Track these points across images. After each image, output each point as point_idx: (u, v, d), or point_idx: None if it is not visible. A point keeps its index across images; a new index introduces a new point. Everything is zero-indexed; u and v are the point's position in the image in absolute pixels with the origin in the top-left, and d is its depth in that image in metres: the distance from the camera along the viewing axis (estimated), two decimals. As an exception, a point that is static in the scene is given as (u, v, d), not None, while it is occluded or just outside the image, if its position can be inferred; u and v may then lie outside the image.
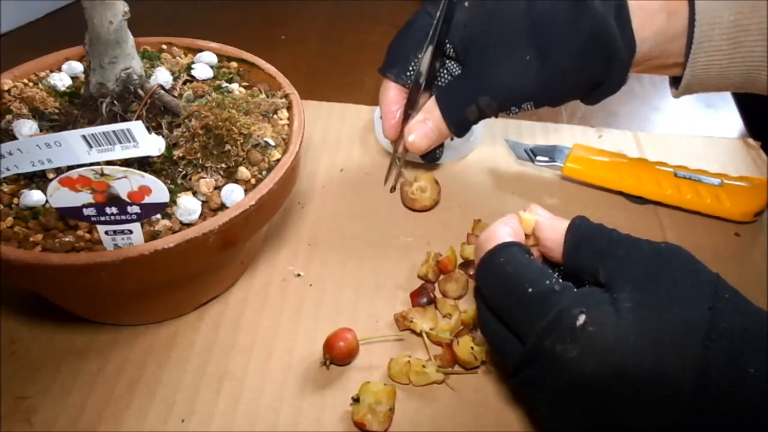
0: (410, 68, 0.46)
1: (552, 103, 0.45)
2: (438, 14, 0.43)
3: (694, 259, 0.32)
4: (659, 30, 0.42)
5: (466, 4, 0.44)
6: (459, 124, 0.46)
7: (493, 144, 0.61)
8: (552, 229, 0.36)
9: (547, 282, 0.31)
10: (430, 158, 0.51)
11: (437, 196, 0.53)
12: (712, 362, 0.27)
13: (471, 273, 0.48)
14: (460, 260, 0.49)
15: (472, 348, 0.41)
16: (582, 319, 0.29)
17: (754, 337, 0.27)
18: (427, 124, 0.46)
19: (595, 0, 0.41)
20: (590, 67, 0.42)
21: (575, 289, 0.31)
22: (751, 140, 0.63)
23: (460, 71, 0.47)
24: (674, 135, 0.64)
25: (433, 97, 0.46)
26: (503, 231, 0.36)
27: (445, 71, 0.48)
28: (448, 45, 0.45)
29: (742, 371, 0.27)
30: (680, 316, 0.28)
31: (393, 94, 0.47)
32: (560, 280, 0.32)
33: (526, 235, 0.37)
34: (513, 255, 0.34)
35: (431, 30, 0.44)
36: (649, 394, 0.28)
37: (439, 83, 0.48)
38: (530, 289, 0.31)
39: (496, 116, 0.46)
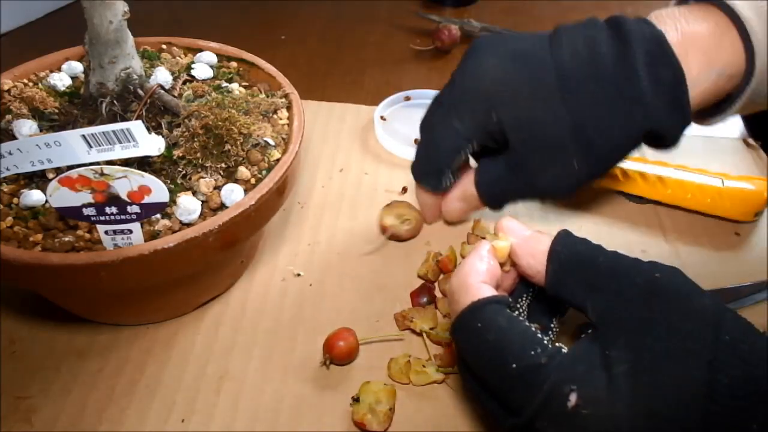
0: (443, 180, 0.42)
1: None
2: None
3: (693, 290, 0.29)
4: (715, 91, 0.38)
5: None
6: (498, 208, 0.42)
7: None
8: (530, 255, 0.33)
9: (532, 353, 0.29)
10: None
11: (419, 227, 0.52)
12: (713, 420, 0.26)
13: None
14: (460, 260, 0.49)
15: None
16: (573, 399, 0.27)
17: (756, 390, 0.26)
18: (464, 202, 0.42)
19: (647, 92, 0.35)
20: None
21: (563, 350, 0.29)
22: (751, 140, 0.63)
23: (500, 158, 0.41)
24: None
25: (472, 177, 0.41)
26: (476, 275, 0.33)
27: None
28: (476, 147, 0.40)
29: (745, 428, 0.25)
30: (679, 381, 0.26)
31: (431, 199, 0.44)
32: (545, 344, 0.30)
33: (501, 264, 0.35)
34: (491, 318, 0.31)
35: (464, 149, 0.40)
36: None
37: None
38: (514, 365, 0.29)
39: None
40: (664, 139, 0.38)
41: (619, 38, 0.36)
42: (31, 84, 0.47)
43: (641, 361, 0.27)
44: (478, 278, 0.33)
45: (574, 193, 0.39)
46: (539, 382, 0.28)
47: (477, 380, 0.32)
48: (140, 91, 0.41)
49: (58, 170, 0.38)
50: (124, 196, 0.34)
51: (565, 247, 0.32)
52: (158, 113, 0.42)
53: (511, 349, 0.29)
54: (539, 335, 0.30)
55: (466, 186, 0.42)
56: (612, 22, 0.37)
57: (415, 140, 0.61)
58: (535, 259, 0.33)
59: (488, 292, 0.32)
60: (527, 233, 0.34)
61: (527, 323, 0.32)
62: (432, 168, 0.41)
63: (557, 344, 0.30)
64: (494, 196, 0.41)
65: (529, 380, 0.28)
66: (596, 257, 0.31)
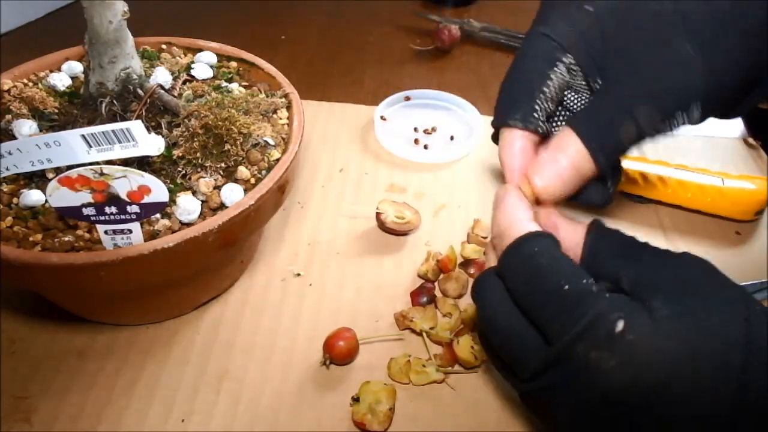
0: (537, 108, 0.35)
1: (725, 105, 0.36)
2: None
3: (719, 271, 0.30)
4: None
5: (590, 8, 0.34)
6: (609, 152, 0.34)
7: (493, 144, 0.61)
8: (572, 230, 0.33)
9: (584, 281, 0.29)
10: (600, 199, 0.37)
11: (417, 221, 0.51)
12: (750, 378, 0.26)
13: (471, 272, 0.48)
14: (460, 259, 0.49)
15: (472, 347, 0.40)
16: (621, 325, 0.27)
17: None
18: (558, 161, 0.34)
19: None
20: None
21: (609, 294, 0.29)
22: (751, 140, 0.63)
23: (592, 97, 0.36)
24: (674, 135, 0.64)
25: (562, 129, 0.35)
26: (524, 215, 0.32)
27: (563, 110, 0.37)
28: (572, 67, 0.35)
29: None
30: (718, 327, 0.27)
31: (521, 145, 0.35)
32: (595, 282, 0.30)
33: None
34: (546, 247, 0.30)
35: (557, 53, 0.35)
36: (685, 412, 0.26)
37: (557, 122, 0.37)
38: (566, 286, 0.29)
39: (656, 134, 0.35)
40: None
41: None
42: (31, 84, 0.47)
43: (683, 312, 0.27)
44: (528, 215, 0.32)
45: (696, 110, 0.34)
46: (588, 305, 0.28)
47: (511, 311, 0.31)
48: (140, 91, 0.41)
49: (58, 170, 0.38)
50: (123, 195, 0.34)
51: (602, 225, 0.33)
52: (158, 113, 0.42)
53: (564, 273, 0.29)
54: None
55: (555, 142, 0.34)
56: None
57: (416, 140, 0.61)
58: (577, 235, 0.33)
59: (538, 228, 0.32)
60: (568, 217, 0.34)
61: None
62: (522, 94, 0.35)
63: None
64: (601, 130, 0.34)
65: (579, 301, 0.28)
66: (630, 237, 0.33)
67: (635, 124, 0.34)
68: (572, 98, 0.37)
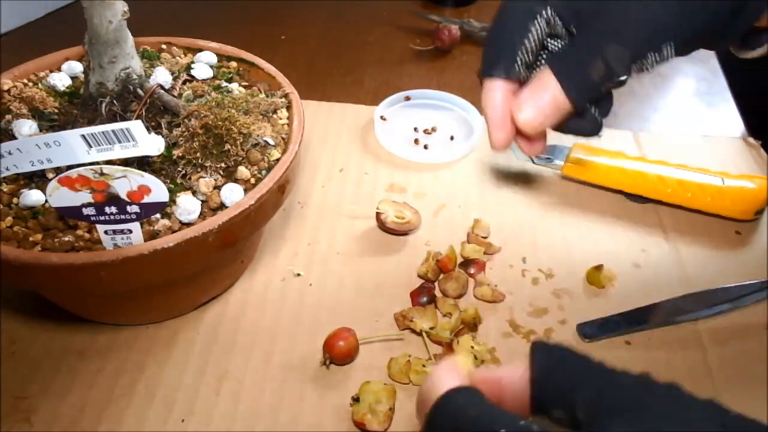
0: (519, 58, 0.37)
1: (695, 42, 0.37)
2: None
3: (684, 390, 0.27)
4: None
5: None
6: (581, 89, 0.36)
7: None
8: (512, 368, 0.30)
9: (522, 422, 0.26)
10: (589, 129, 0.39)
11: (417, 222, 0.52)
12: None
13: (471, 272, 0.48)
14: (460, 259, 0.49)
15: (472, 347, 0.40)
16: None
17: None
18: (539, 96, 0.36)
19: None
20: None
21: None
22: (751, 139, 0.63)
23: (574, 41, 0.38)
24: (675, 134, 0.64)
25: (543, 68, 0.37)
26: (450, 375, 0.29)
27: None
28: (551, 16, 0.37)
29: None
30: None
31: (501, 95, 0.37)
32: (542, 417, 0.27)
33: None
34: (471, 398, 0.28)
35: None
36: None
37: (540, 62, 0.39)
38: (502, 431, 0.26)
39: (626, 76, 0.36)
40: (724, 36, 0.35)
41: None
42: (30, 84, 0.46)
43: None
44: (453, 378, 0.30)
45: (669, 49, 0.35)
46: None
47: None
48: (140, 91, 0.41)
49: (58, 170, 0.38)
50: (123, 195, 0.34)
51: (543, 345, 0.30)
52: (158, 113, 0.42)
53: (498, 418, 0.27)
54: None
55: (537, 80, 0.37)
56: None
57: (416, 140, 0.61)
58: (516, 369, 0.29)
59: (459, 382, 0.29)
60: (495, 374, 0.30)
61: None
62: (504, 46, 0.37)
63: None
64: (574, 68, 0.36)
65: None
66: (584, 357, 0.29)
67: (605, 63, 0.35)
68: (554, 43, 0.39)
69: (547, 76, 0.36)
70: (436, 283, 0.47)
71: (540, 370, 0.29)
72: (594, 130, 0.39)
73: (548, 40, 0.39)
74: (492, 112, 0.38)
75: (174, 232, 0.37)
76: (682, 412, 0.26)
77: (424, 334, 0.43)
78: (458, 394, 0.28)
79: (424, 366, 0.40)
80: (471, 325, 0.43)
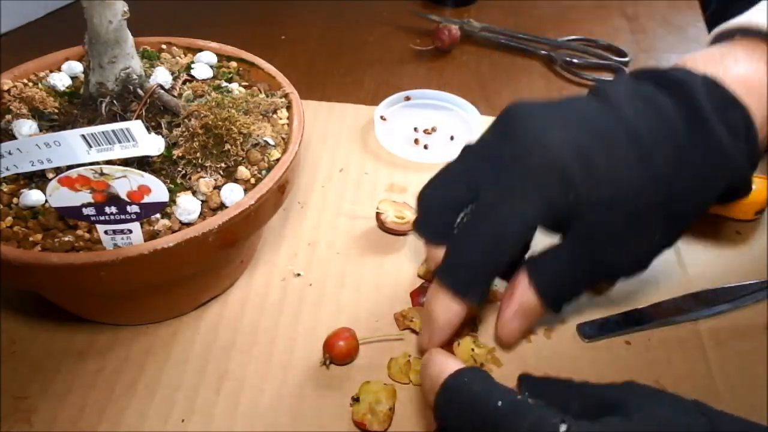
0: (491, 287, 0.39)
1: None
2: None
3: (667, 391, 0.30)
4: None
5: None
6: (559, 309, 0.38)
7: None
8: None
9: (519, 396, 0.29)
10: None
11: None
12: None
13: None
14: (460, 260, 0.49)
15: (472, 349, 0.40)
16: (563, 427, 0.26)
17: None
18: (523, 316, 0.38)
19: (726, 144, 0.33)
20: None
21: None
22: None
23: (556, 250, 0.37)
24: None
25: (521, 278, 0.37)
26: (453, 363, 0.33)
27: None
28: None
29: None
30: (683, 427, 0.26)
31: (457, 313, 0.37)
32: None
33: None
34: (478, 375, 0.31)
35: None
36: None
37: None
38: (500, 403, 0.28)
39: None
40: (737, 191, 0.36)
41: (673, 91, 0.34)
42: (30, 84, 0.47)
43: (636, 418, 0.26)
44: (457, 363, 0.33)
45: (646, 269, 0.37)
46: (525, 411, 0.27)
47: None
48: (140, 91, 0.41)
49: (58, 170, 0.38)
50: (123, 195, 0.34)
51: (529, 378, 0.34)
52: (158, 113, 0.42)
53: (498, 393, 0.29)
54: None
55: (520, 297, 0.37)
56: (653, 75, 0.35)
57: (416, 140, 0.61)
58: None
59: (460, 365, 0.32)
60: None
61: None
62: (489, 267, 0.35)
63: None
64: (559, 295, 0.37)
65: (518, 411, 0.28)
66: (568, 380, 0.33)
67: (591, 289, 0.41)
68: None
69: (526, 294, 0.37)
70: (436, 283, 0.47)
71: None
72: None
73: None
74: (441, 332, 0.37)
75: (174, 232, 0.37)
76: (667, 405, 0.27)
77: (424, 334, 0.43)
78: (466, 371, 0.31)
79: (424, 366, 0.40)
80: (472, 326, 0.43)
